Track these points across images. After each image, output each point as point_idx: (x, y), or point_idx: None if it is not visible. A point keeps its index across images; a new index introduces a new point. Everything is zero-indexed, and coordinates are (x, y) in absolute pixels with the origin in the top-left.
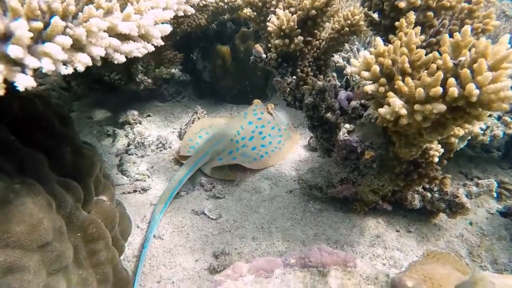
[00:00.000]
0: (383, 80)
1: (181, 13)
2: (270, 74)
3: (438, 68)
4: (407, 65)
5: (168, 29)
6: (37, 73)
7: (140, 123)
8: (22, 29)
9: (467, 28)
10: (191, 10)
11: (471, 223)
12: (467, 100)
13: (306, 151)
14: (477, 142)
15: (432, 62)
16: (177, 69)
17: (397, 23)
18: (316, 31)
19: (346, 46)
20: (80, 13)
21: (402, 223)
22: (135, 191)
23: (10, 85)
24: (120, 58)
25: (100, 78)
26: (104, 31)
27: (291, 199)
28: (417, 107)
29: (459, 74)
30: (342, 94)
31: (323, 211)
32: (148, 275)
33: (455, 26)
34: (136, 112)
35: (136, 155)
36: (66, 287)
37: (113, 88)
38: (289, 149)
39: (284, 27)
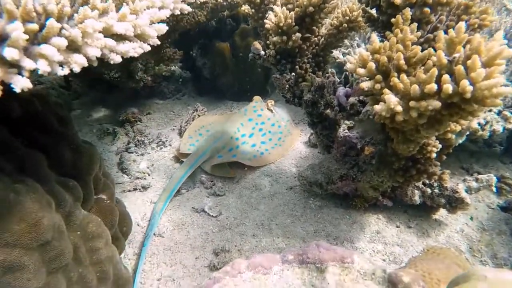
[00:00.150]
0: (379, 77)
1: (177, 12)
2: (270, 70)
3: (434, 65)
4: (402, 62)
5: (164, 28)
6: (35, 74)
7: (140, 121)
8: (17, 31)
9: (461, 25)
10: (187, 9)
11: (471, 218)
12: (461, 97)
13: (306, 148)
14: (476, 137)
15: (428, 59)
16: (177, 67)
17: (393, 20)
18: (314, 27)
19: (346, 42)
20: (75, 14)
21: (403, 218)
22: (135, 189)
23: (7, 87)
24: (116, 59)
25: (99, 76)
26: (100, 31)
27: (292, 195)
28: (412, 103)
29: (454, 70)
30: (341, 90)
31: (323, 208)
32: (148, 272)
33: (452, 22)
34: (136, 110)
35: (136, 153)
36: (66, 285)
37: (112, 86)
38: (289, 145)
39: (281, 24)
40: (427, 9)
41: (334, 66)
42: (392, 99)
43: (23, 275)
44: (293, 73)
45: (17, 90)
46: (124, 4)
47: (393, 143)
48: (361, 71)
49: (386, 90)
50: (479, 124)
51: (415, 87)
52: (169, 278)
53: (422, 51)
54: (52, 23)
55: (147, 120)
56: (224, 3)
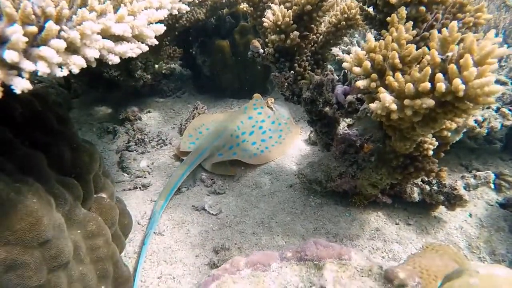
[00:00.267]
0: (374, 75)
1: (175, 12)
2: (270, 68)
3: (428, 63)
4: (397, 60)
5: (162, 28)
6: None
7: (140, 119)
8: (17, 34)
9: (454, 24)
10: (185, 8)
11: (470, 215)
12: (454, 95)
13: (306, 145)
14: (474, 134)
15: (423, 57)
16: (177, 64)
17: (388, 19)
18: (312, 25)
19: (346, 39)
20: (74, 16)
21: (402, 216)
22: (135, 187)
23: (7, 88)
24: (114, 59)
25: (99, 74)
26: (98, 33)
27: (292, 193)
28: (407, 102)
29: (447, 69)
30: (339, 88)
31: (323, 205)
32: (148, 271)
33: (448, 21)
34: (136, 109)
35: (137, 151)
36: (67, 283)
37: (112, 85)
38: (289, 143)
39: (279, 22)
40: (422, 8)
41: (334, 63)
42: (387, 98)
43: (24, 273)
44: (292, 71)
45: (18, 91)
46: (122, 5)
47: (390, 140)
48: (356, 69)
49: (381, 89)
50: (476, 121)
51: (410, 85)
52: (169, 276)
53: (418, 49)
54: (50, 25)
55: (147, 118)
56: (223, 0)
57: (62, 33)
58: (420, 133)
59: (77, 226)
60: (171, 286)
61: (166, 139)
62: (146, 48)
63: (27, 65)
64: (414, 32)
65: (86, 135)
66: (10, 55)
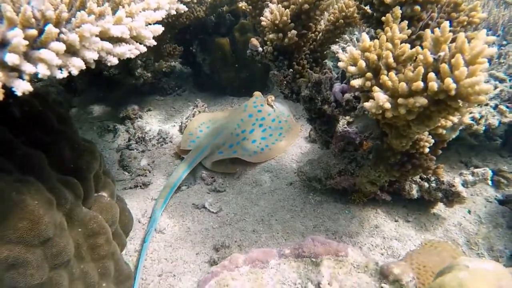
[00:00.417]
0: (369, 74)
1: (173, 12)
2: (270, 66)
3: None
4: (391, 59)
5: (160, 29)
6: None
7: (140, 117)
8: (18, 37)
9: (446, 24)
10: (183, 8)
11: (469, 212)
12: (446, 94)
13: (307, 143)
14: (471, 131)
15: (416, 57)
16: (177, 62)
17: (383, 18)
18: (310, 24)
19: (346, 36)
20: (73, 19)
21: (401, 213)
22: (136, 186)
23: (8, 90)
24: (113, 60)
25: (99, 73)
26: (97, 35)
27: (291, 191)
28: (400, 101)
29: (439, 68)
30: (337, 86)
31: (323, 203)
32: (149, 268)
33: (443, 20)
34: (136, 107)
35: (137, 150)
36: (68, 281)
37: (113, 83)
38: (289, 141)
39: (277, 21)
40: (417, 7)
41: (334, 60)
42: (381, 97)
43: (26, 271)
44: (290, 69)
45: (18, 93)
46: (120, 7)
47: (388, 138)
48: (352, 69)
49: (375, 88)
50: (473, 118)
51: (403, 84)
52: (170, 274)
53: (414, 47)
54: (50, 28)
55: (148, 116)
56: None
57: (62, 36)
58: (415, 131)
59: (78, 225)
60: (172, 283)
61: (167, 137)
62: (145, 49)
63: (28, 68)
64: (409, 31)
65: (86, 133)
66: (11, 58)
